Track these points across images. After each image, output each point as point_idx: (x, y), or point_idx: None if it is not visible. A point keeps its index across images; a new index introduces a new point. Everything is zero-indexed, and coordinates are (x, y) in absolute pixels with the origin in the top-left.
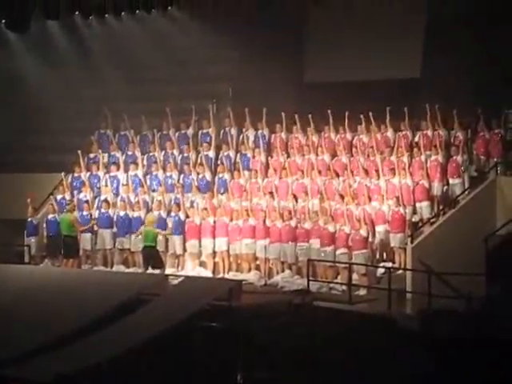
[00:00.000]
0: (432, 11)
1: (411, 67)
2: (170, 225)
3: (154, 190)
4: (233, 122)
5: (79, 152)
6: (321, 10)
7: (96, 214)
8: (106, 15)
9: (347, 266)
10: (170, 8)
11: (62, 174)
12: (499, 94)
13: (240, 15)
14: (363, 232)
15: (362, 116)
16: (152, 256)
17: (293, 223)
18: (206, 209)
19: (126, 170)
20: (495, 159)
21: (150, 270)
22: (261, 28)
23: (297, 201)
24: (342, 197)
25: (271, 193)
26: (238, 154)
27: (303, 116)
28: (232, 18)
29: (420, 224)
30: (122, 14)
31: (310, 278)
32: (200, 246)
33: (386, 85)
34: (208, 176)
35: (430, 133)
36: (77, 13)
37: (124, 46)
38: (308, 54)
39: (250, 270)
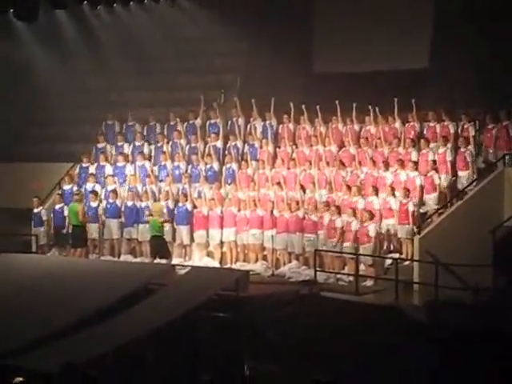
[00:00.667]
0: (439, 2)
1: (419, 57)
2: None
3: (161, 180)
4: (240, 112)
5: (87, 143)
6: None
7: (103, 204)
8: (115, 5)
9: (354, 256)
10: None
11: (71, 164)
12: (507, 85)
13: (248, 6)
14: (371, 232)
15: (369, 107)
16: (159, 245)
17: (300, 214)
18: (213, 199)
19: (134, 161)
20: (503, 151)
21: (156, 260)
22: (269, 19)
23: (304, 191)
24: (349, 188)
25: (279, 183)
26: (246, 145)
27: (311, 106)
28: (240, 8)
29: (427, 215)
30: (131, 3)
31: (317, 269)
32: (207, 236)
33: (394, 75)
34: (215, 166)
35: (437, 124)
36: (85, 2)
37: (132, 36)
38: (316, 44)
39: (257, 260)
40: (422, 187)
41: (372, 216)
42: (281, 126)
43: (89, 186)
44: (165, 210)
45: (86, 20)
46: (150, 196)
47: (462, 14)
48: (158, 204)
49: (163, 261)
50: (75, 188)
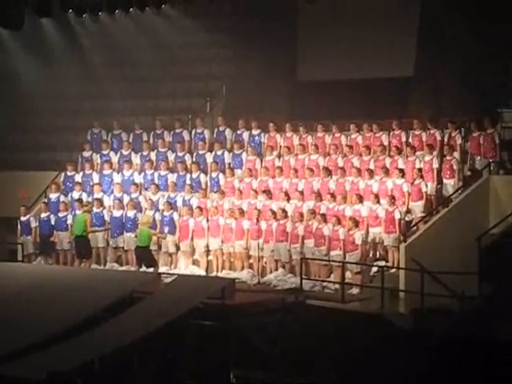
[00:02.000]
0: (425, 10)
1: (405, 65)
2: (159, 224)
3: (146, 189)
4: (226, 121)
5: (72, 151)
6: (313, 7)
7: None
8: (100, 13)
9: (340, 264)
10: (163, 6)
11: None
12: (493, 93)
13: (233, 14)
14: (357, 239)
15: (355, 115)
16: (144, 256)
17: (287, 225)
18: (198, 208)
19: (120, 169)
20: (489, 158)
21: (143, 269)
22: (254, 26)
23: (289, 201)
24: (334, 197)
25: (264, 192)
26: (231, 154)
27: (296, 115)
28: (225, 16)
29: (413, 223)
30: (116, 11)
31: (304, 277)
32: (193, 244)
33: (380, 83)
34: (201, 175)
35: (423, 132)
36: (70, 10)
37: (118, 44)
38: (301, 52)
39: (243, 268)
40: (408, 194)
41: (357, 224)
42: (266, 134)
43: (75, 194)
44: (151, 220)
45: (71, 28)
46: (135, 205)
47: (447, 21)
48: (147, 215)
49: (150, 269)
50: (62, 197)
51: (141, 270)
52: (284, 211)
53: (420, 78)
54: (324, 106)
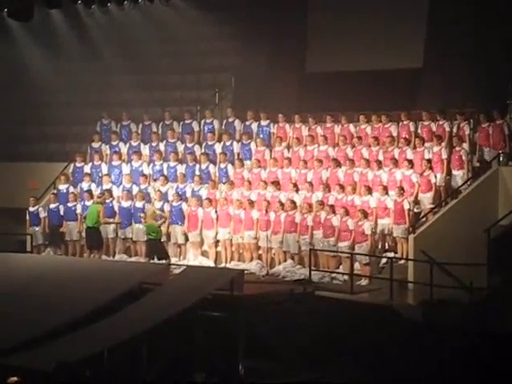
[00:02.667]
0: (434, 0)
1: (414, 57)
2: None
3: (155, 180)
4: (235, 112)
5: (82, 142)
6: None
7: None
8: (109, 4)
9: (349, 255)
10: None
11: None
12: (502, 84)
13: (242, 5)
14: (366, 230)
15: (364, 106)
16: (156, 248)
17: (296, 216)
18: (208, 199)
19: (129, 161)
20: (498, 150)
21: (155, 261)
22: (262, 18)
23: (298, 192)
24: (344, 188)
25: (273, 183)
26: (240, 144)
27: (305, 106)
28: (234, 8)
29: (422, 214)
30: (125, 3)
31: (312, 268)
32: (202, 235)
33: (389, 75)
34: (210, 166)
35: (432, 123)
36: (79, 2)
37: (127, 36)
38: (310, 43)
39: (252, 259)
40: (418, 185)
41: (366, 215)
42: (275, 125)
43: (84, 185)
44: (158, 212)
45: (80, 19)
46: (144, 196)
47: (456, 12)
48: (151, 208)
49: (162, 261)
50: (71, 188)
51: (151, 261)
52: (293, 202)
53: (429, 69)
54: (333, 98)
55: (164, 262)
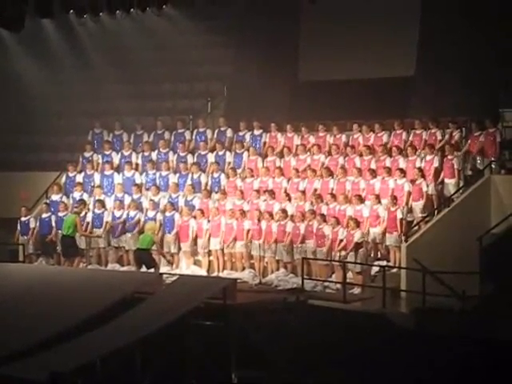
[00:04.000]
0: (426, 9)
1: (406, 65)
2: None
3: (147, 189)
4: (227, 121)
5: (74, 151)
6: (315, 7)
7: (90, 214)
8: (101, 14)
9: (342, 264)
10: (165, 7)
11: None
12: (494, 93)
13: (234, 14)
14: (357, 238)
15: (356, 115)
16: (145, 258)
17: (288, 225)
18: (200, 209)
19: (121, 170)
20: (490, 158)
21: (143, 269)
22: (255, 26)
23: (290, 201)
24: (336, 197)
25: (265, 192)
26: (233, 154)
27: (298, 115)
28: (226, 17)
29: (414, 223)
30: (117, 12)
31: (305, 277)
32: (194, 244)
33: (381, 83)
34: (202, 176)
35: (424, 132)
36: (71, 11)
37: (119, 45)
38: (302, 52)
39: (244, 268)
40: (409, 194)
41: (358, 224)
42: (268, 134)
43: (76, 194)
44: (156, 229)
45: (72, 29)
46: (136, 206)
47: (448, 21)
48: (153, 224)
49: (151, 270)
50: (64, 198)
51: (141, 270)
52: (284, 211)
53: (421, 78)
54: (325, 106)
55: (153, 270)
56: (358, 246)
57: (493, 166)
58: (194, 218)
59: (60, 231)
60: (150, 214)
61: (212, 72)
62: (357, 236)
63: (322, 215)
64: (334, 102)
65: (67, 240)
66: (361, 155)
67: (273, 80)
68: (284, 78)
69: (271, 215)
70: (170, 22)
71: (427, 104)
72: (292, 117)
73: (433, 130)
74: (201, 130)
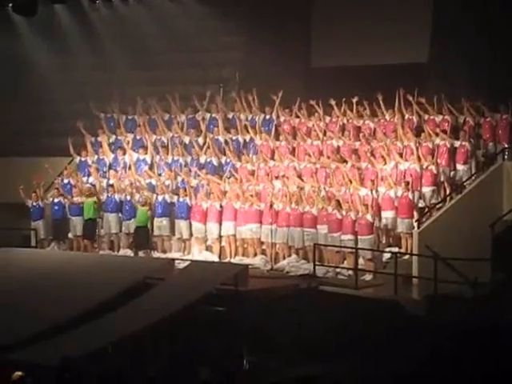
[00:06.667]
0: None
1: (419, 51)
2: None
3: (160, 174)
4: (240, 106)
5: (86, 136)
6: None
7: (103, 197)
8: None
9: (353, 250)
10: None
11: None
12: (508, 78)
13: (247, 0)
14: (369, 217)
15: (369, 101)
16: (141, 236)
17: (301, 208)
18: (213, 193)
19: (134, 154)
20: (503, 144)
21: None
22: (267, 12)
23: (303, 185)
24: (349, 181)
25: (278, 177)
26: (245, 138)
27: (311, 100)
28: (239, 2)
29: (426, 209)
30: None
31: (317, 263)
32: (206, 230)
33: (394, 69)
34: (215, 160)
35: (436, 118)
36: None
37: (131, 31)
38: (315, 38)
39: (256, 254)
40: (421, 179)
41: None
42: (281, 119)
43: (89, 179)
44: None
45: (84, 14)
46: (149, 190)
47: (461, 7)
48: (147, 196)
49: (141, 252)
50: (76, 181)
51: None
52: (297, 195)
53: (434, 64)
54: (338, 92)
55: (143, 252)
56: (369, 230)
57: (506, 152)
58: (207, 201)
59: (73, 218)
60: (148, 194)
61: (224, 58)
62: (370, 218)
63: (336, 200)
64: (347, 87)
65: (88, 223)
66: (374, 140)
67: (285, 66)
68: (297, 64)
69: (287, 199)
70: (183, 8)
71: (440, 90)
72: (305, 102)
73: (445, 116)
74: (213, 115)
